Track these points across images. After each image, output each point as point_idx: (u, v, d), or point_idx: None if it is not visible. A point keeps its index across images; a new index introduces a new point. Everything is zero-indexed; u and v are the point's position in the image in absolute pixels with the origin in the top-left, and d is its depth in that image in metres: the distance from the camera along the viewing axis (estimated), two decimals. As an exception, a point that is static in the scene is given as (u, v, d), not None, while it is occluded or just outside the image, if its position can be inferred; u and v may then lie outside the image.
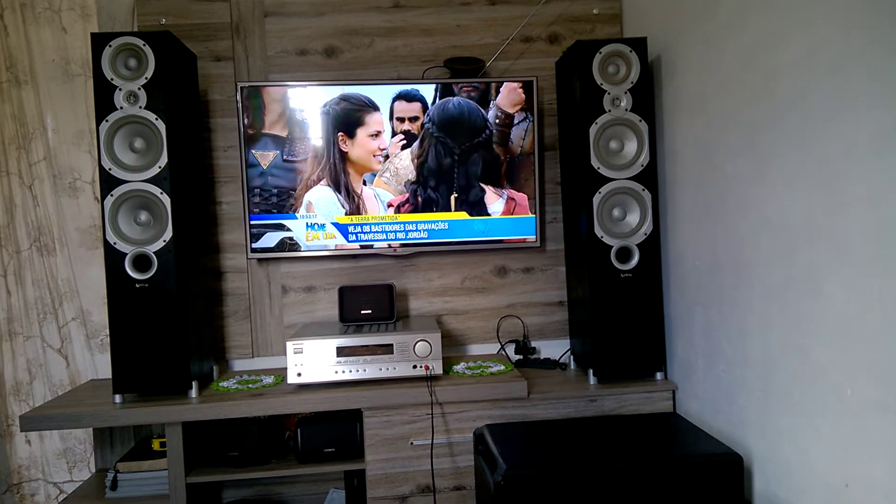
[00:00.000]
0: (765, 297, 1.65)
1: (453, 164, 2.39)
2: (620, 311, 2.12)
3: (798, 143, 1.50)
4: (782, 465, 1.61)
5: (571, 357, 2.39)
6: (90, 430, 2.47)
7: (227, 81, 2.40)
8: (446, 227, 2.41)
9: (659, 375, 2.18)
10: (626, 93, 2.10)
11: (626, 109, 2.10)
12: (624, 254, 2.12)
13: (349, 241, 2.38)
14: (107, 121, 1.99)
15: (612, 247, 2.10)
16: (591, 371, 2.16)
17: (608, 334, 2.12)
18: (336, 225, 2.37)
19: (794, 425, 1.55)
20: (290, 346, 2.06)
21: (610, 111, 2.09)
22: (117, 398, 2.04)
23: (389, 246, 2.39)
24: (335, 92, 2.33)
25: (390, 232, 2.39)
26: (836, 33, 1.36)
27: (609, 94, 2.09)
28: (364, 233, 2.38)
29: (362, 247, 2.38)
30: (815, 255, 1.45)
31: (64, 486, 2.51)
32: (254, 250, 2.33)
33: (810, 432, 1.50)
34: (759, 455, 1.71)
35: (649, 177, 2.12)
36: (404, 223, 2.39)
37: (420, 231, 2.40)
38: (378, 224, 2.38)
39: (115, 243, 1.99)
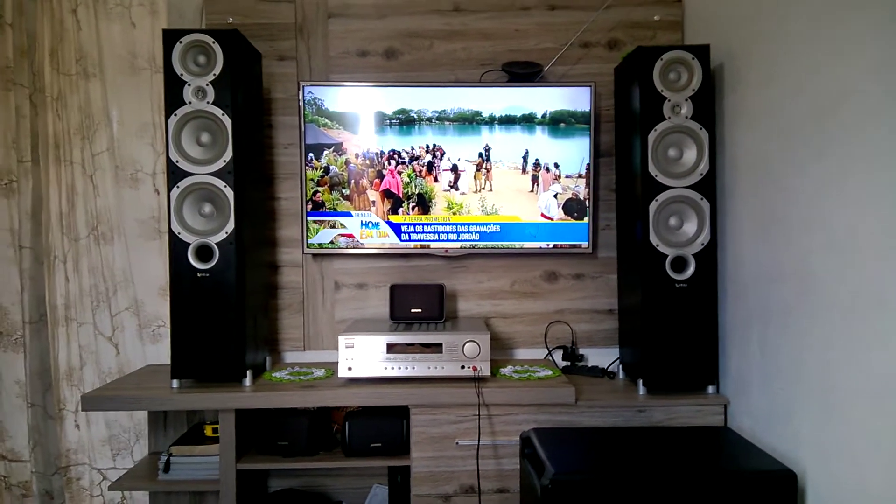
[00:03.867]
0: (828, 312, 1.61)
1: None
2: (673, 321, 2.09)
3: (869, 160, 1.46)
4: (838, 484, 1.56)
5: (620, 366, 2.37)
6: (136, 419, 2.53)
7: (289, 80, 2.46)
8: (498, 230, 2.42)
9: (711, 389, 2.13)
10: (686, 100, 2.07)
11: (687, 117, 2.07)
12: (679, 263, 2.09)
13: (402, 241, 2.40)
14: (175, 115, 2.05)
15: (667, 256, 2.08)
16: (640, 381, 2.13)
17: (660, 345, 2.10)
18: (390, 224, 2.40)
19: (853, 444, 1.51)
20: (342, 340, 2.09)
21: (670, 118, 2.07)
22: (174, 383, 2.10)
23: (441, 247, 2.41)
24: (393, 93, 2.36)
25: (442, 233, 2.41)
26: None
27: (669, 100, 2.07)
28: (417, 232, 2.41)
29: (415, 246, 2.41)
30: (884, 270, 1.41)
31: (107, 472, 2.55)
32: (309, 245, 2.38)
33: (870, 451, 1.45)
34: (814, 473, 1.66)
35: (708, 186, 2.09)
36: (456, 224, 2.41)
37: (472, 233, 2.41)
38: (431, 224, 2.41)
39: (179, 233, 2.06)
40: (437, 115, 2.38)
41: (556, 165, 2.40)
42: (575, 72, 2.49)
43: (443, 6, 2.47)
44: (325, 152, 2.37)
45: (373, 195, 2.39)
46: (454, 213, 2.40)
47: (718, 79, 2.18)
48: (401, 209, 2.40)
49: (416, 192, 2.40)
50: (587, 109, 2.38)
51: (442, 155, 2.39)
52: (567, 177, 2.41)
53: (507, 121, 2.39)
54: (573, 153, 2.40)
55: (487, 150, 2.40)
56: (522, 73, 2.42)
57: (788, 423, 1.79)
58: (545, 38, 2.49)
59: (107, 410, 2.14)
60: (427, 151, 2.39)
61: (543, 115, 2.39)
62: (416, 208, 2.41)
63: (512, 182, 2.41)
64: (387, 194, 2.40)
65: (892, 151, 1.39)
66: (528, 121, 2.39)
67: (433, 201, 2.41)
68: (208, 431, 2.20)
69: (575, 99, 2.38)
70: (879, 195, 1.43)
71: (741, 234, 2.05)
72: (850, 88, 1.52)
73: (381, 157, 2.38)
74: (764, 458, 1.74)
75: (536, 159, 2.40)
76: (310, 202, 2.38)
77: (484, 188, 2.41)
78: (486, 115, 2.39)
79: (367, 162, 2.39)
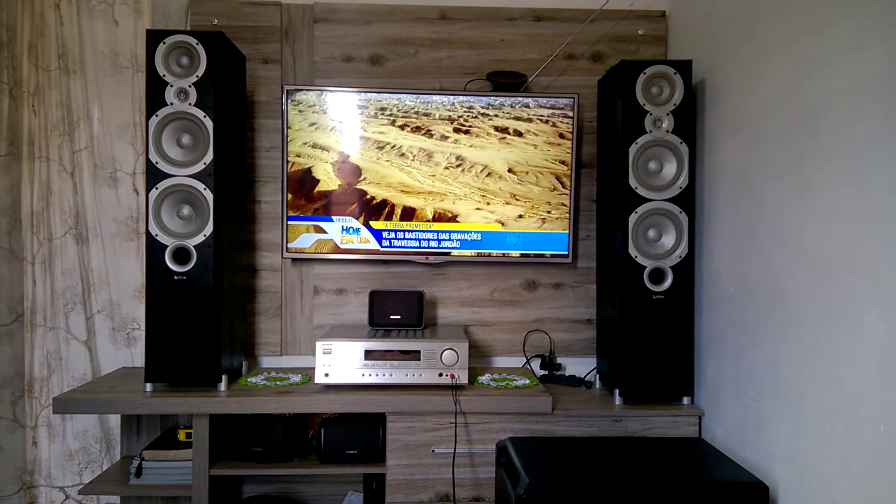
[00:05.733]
0: (800, 327, 1.63)
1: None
2: (650, 332, 2.11)
3: (841, 173, 1.48)
4: (808, 497, 1.58)
5: (597, 376, 2.38)
6: (107, 427, 2.46)
7: (273, 84, 2.45)
8: (479, 238, 2.42)
9: (686, 400, 2.15)
10: (668, 114, 2.10)
11: (668, 131, 2.10)
12: (657, 275, 2.11)
13: (382, 247, 2.40)
14: (156, 115, 2.04)
15: (645, 267, 2.10)
16: (616, 391, 2.14)
17: (637, 355, 2.11)
18: (371, 229, 2.39)
19: (823, 458, 1.53)
20: (319, 346, 2.08)
21: (651, 132, 2.10)
22: (148, 387, 2.07)
23: (422, 254, 2.41)
24: (378, 99, 2.36)
25: (423, 239, 2.41)
26: (888, 62, 1.35)
27: (651, 114, 2.09)
28: (398, 239, 2.40)
29: (395, 252, 2.41)
30: (854, 287, 1.43)
31: (70, 490, 2.43)
32: (289, 250, 2.37)
33: (839, 466, 1.47)
34: (785, 486, 1.68)
35: (687, 199, 2.11)
36: (437, 231, 2.41)
37: (453, 240, 2.42)
38: (412, 231, 2.41)
39: (156, 235, 2.04)
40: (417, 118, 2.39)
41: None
42: (559, 83, 2.51)
43: (429, 14, 2.48)
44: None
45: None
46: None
47: (700, 94, 2.20)
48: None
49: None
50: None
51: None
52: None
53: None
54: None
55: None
56: (507, 82, 2.43)
57: (761, 435, 1.81)
58: (530, 49, 2.50)
59: (79, 413, 2.10)
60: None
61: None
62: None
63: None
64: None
65: (860, 168, 1.41)
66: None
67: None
68: (182, 436, 2.18)
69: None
70: (848, 209, 1.45)
71: (718, 248, 2.07)
72: (825, 106, 1.55)
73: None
74: (736, 470, 1.75)
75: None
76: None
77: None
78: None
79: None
